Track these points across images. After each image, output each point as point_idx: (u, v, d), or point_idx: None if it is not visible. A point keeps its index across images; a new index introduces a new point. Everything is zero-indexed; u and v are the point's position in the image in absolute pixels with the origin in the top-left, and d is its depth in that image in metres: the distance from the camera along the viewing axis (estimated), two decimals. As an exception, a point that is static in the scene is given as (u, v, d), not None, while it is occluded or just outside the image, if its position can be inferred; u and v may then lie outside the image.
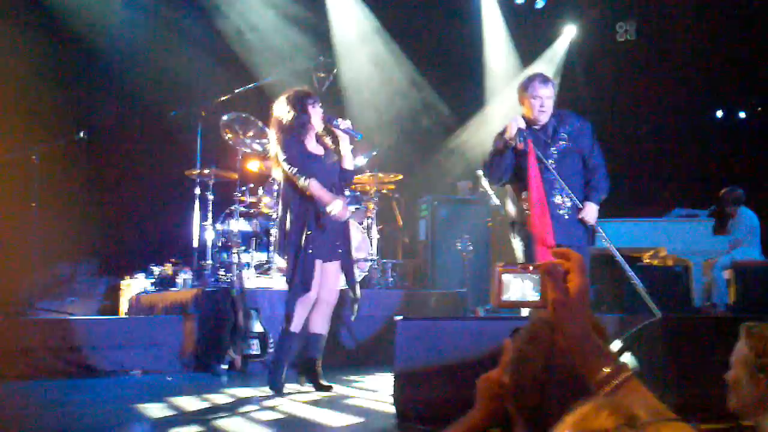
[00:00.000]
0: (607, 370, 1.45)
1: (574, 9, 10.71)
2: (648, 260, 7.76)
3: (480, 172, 6.43)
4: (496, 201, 6.67)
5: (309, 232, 5.15)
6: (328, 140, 5.48)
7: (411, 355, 3.96)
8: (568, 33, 10.77)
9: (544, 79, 5.24)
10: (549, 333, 1.59)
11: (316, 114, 5.33)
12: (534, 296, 1.49)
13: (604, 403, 1.05)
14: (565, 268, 1.49)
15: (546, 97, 5.15)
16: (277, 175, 5.44)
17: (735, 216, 8.35)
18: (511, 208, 5.38)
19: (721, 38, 10.33)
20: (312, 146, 5.38)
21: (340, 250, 5.35)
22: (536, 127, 5.19)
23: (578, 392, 1.18)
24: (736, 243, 8.11)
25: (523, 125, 5.10)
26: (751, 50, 10.35)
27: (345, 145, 5.44)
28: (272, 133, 5.39)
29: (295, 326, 5.16)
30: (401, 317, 4.42)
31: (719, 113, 10.73)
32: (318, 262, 5.20)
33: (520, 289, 1.50)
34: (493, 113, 9.80)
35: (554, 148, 5.16)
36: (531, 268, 1.50)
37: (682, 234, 7.65)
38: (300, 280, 5.12)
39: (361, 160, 7.89)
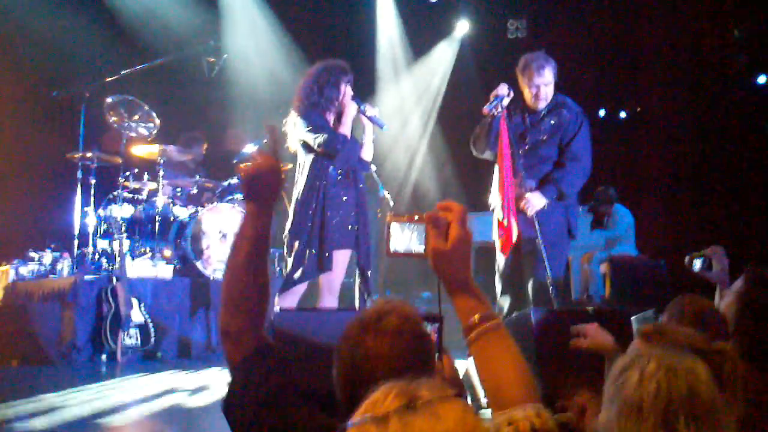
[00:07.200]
0: (477, 316, 1.54)
1: (467, 5, 10.86)
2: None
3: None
4: (385, 192, 6.67)
5: (317, 220, 4.83)
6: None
7: (289, 344, 3.93)
8: (461, 28, 10.93)
9: (540, 66, 4.92)
10: (358, 332, 1.64)
11: (346, 93, 5.01)
12: (419, 247, 1.57)
13: (394, 386, 1.09)
14: (448, 220, 1.55)
15: (543, 84, 4.93)
16: (296, 148, 5.09)
17: (611, 214, 8.69)
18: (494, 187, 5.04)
19: (607, 42, 10.70)
20: (333, 126, 5.03)
21: (350, 238, 4.96)
22: (530, 108, 4.99)
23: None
24: (615, 239, 8.47)
25: (504, 93, 4.84)
26: (635, 52, 10.76)
27: (368, 133, 5.15)
28: (294, 104, 5.03)
29: None
30: (278, 308, 4.43)
31: (602, 112, 11.12)
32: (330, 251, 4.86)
33: (407, 240, 1.58)
34: (384, 104, 9.84)
35: (532, 137, 4.96)
36: (416, 217, 1.58)
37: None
38: (307, 270, 4.79)
39: (251, 147, 7.80)
